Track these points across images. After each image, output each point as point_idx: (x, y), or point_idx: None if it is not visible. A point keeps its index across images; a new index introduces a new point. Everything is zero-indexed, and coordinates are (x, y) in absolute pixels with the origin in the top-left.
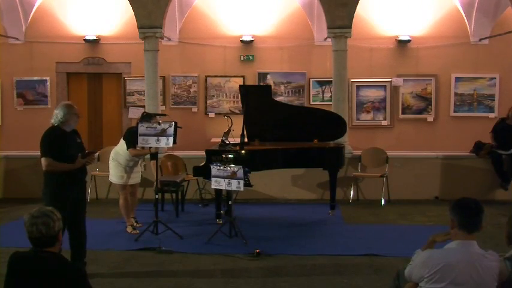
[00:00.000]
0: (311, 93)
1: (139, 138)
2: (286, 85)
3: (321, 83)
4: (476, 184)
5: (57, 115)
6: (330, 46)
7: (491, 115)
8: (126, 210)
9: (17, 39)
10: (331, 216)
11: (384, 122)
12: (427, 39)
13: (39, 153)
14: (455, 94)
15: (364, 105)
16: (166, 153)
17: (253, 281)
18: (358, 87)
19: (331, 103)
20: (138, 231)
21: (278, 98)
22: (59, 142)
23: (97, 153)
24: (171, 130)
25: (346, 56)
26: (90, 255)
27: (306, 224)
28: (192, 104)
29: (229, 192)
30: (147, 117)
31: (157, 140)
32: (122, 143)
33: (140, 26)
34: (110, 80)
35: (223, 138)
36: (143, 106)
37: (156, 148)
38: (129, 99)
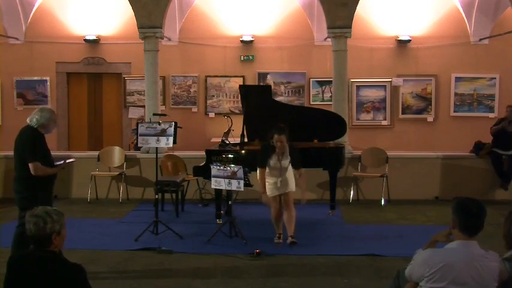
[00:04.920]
0: (311, 93)
1: (140, 138)
2: (286, 85)
3: (321, 83)
4: (476, 184)
5: (39, 117)
6: (330, 46)
7: (491, 115)
8: (274, 221)
9: (17, 39)
10: (331, 216)
11: (384, 122)
12: (427, 39)
13: (21, 155)
14: (455, 94)
15: (364, 105)
16: (166, 153)
17: (253, 281)
18: (358, 87)
19: (331, 103)
20: (281, 241)
21: (278, 98)
22: (43, 146)
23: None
24: (171, 130)
25: (346, 56)
26: (90, 255)
27: (306, 224)
28: (192, 104)
29: (229, 192)
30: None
31: (158, 140)
32: None
33: (140, 26)
34: (110, 80)
35: (223, 138)
36: (143, 106)
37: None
38: (129, 99)
